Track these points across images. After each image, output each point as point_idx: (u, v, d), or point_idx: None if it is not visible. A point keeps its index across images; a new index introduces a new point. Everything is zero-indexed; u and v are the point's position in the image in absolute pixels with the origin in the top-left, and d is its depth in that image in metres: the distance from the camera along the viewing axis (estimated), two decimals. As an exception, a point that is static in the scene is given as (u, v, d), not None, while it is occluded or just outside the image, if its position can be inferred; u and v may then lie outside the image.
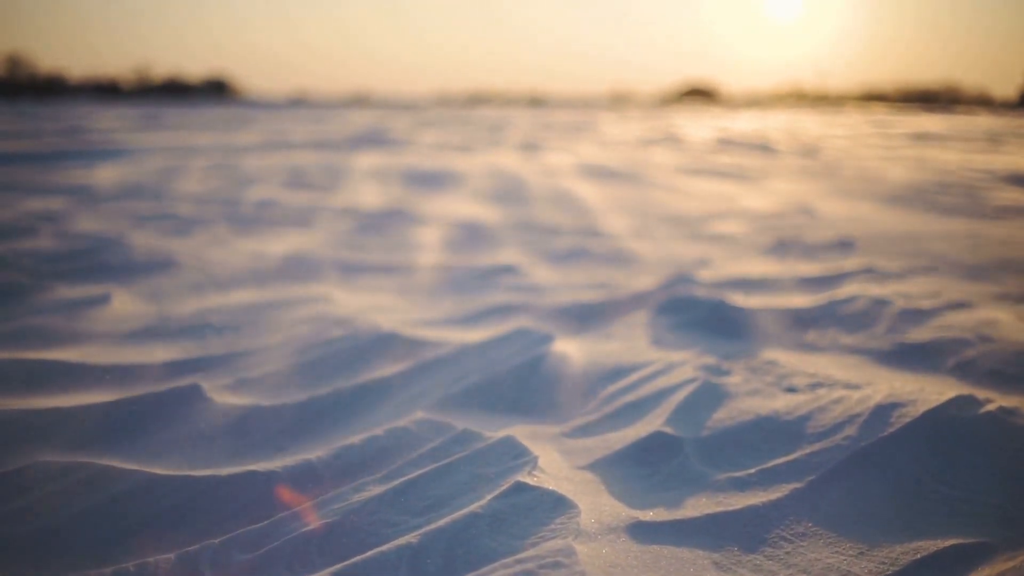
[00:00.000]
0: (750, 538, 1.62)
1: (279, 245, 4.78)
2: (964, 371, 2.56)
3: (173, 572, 1.49)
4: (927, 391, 2.14)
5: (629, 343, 2.88)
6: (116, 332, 2.98)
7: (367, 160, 10.57)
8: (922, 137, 16.35)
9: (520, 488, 1.69)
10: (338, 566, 1.47)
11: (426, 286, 3.82)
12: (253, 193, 7.16)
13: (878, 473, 1.84)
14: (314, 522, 1.64)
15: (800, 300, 3.41)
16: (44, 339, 2.85)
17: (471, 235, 5.23)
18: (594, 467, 1.93)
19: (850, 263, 4.21)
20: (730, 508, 1.72)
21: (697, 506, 1.74)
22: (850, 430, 1.97)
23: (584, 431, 2.16)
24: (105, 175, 8.30)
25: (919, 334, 2.88)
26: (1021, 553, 1.53)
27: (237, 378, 2.46)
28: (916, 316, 3.07)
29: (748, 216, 6.12)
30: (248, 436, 2.11)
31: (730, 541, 1.61)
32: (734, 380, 2.39)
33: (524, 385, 2.44)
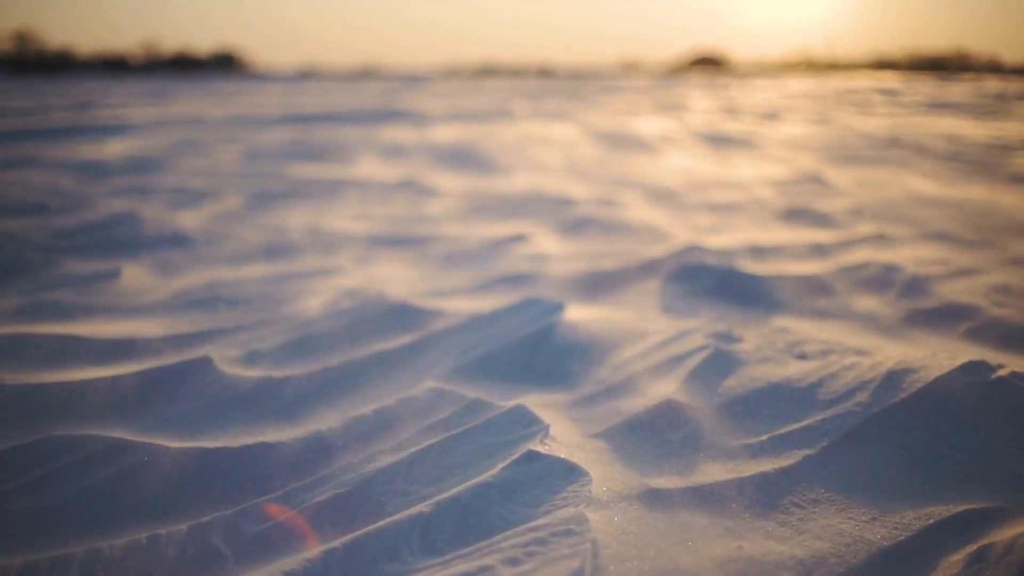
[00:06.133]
0: (763, 505, 1.62)
1: (289, 218, 4.78)
2: (976, 336, 2.55)
3: (186, 543, 1.50)
4: (939, 357, 2.13)
5: (640, 311, 2.87)
6: (127, 306, 2.98)
7: (381, 133, 10.54)
8: (933, 104, 16.20)
9: (532, 457, 1.69)
10: (350, 536, 1.47)
11: (437, 256, 3.81)
12: (263, 166, 7.15)
13: (890, 439, 1.83)
14: (326, 493, 1.65)
15: (811, 267, 3.40)
16: (55, 314, 2.86)
17: (481, 206, 5.21)
18: (606, 435, 1.92)
19: (860, 230, 4.19)
20: (742, 475, 1.71)
21: (709, 473, 1.74)
22: (862, 396, 1.97)
23: (595, 399, 2.15)
24: (115, 150, 8.29)
25: (930, 300, 2.86)
26: (1034, 517, 1.52)
27: (248, 350, 2.47)
28: (927, 282, 3.06)
29: (758, 183, 6.08)
30: (259, 408, 2.11)
31: (742, 508, 1.61)
32: (745, 347, 2.38)
33: (535, 354, 2.43)
